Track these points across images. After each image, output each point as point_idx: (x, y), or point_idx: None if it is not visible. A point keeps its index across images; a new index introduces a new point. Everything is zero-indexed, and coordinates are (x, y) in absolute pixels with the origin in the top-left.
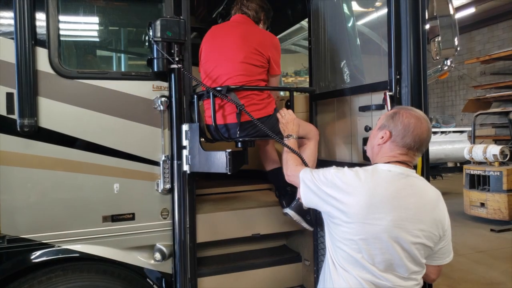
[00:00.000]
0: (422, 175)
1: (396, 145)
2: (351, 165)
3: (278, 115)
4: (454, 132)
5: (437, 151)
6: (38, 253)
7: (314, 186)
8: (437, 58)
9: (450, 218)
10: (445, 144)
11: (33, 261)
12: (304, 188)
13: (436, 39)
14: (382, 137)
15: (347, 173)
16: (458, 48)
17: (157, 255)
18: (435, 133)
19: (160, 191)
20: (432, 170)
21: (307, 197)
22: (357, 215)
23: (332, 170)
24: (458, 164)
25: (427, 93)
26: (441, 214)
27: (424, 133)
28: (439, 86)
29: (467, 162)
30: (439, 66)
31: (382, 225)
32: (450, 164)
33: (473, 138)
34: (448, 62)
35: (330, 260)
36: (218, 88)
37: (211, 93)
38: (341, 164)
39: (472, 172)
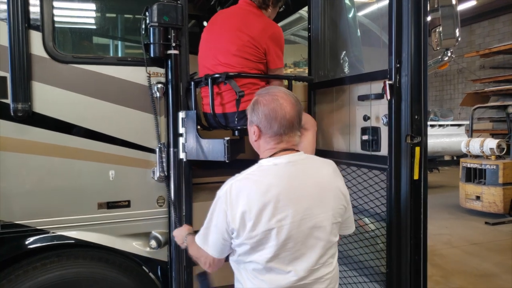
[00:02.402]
0: (419, 167)
1: (269, 137)
2: (348, 155)
3: None
4: (451, 125)
5: (434, 144)
6: (32, 239)
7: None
8: (438, 48)
9: (445, 212)
10: (443, 137)
11: (28, 247)
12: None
13: (437, 30)
14: (254, 132)
15: (218, 207)
16: (459, 39)
17: (153, 243)
18: (432, 126)
19: (156, 178)
20: (429, 163)
21: (219, 252)
22: (253, 234)
23: (209, 215)
24: (455, 158)
25: (427, 82)
26: (341, 185)
27: (286, 114)
28: (437, 80)
29: (464, 155)
30: (439, 57)
31: (288, 223)
32: (447, 158)
33: (471, 132)
34: (449, 53)
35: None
36: (217, 75)
37: (209, 81)
38: (338, 154)
39: (468, 166)
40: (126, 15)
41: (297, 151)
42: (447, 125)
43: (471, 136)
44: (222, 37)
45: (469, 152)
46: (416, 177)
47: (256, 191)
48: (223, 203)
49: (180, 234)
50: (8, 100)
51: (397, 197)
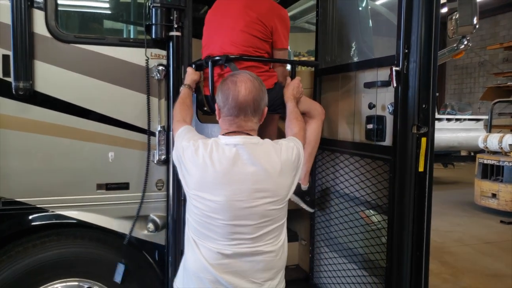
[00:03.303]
0: (425, 159)
1: (224, 116)
2: (352, 144)
3: (288, 78)
4: (469, 120)
5: (450, 139)
6: (32, 216)
7: (176, 153)
8: (453, 36)
9: (458, 208)
10: (459, 131)
11: (28, 224)
12: (173, 151)
13: (453, 17)
14: (216, 112)
15: (189, 148)
16: (477, 26)
17: (150, 226)
18: (449, 119)
19: (155, 161)
20: (444, 158)
21: (175, 161)
22: (193, 193)
23: (184, 142)
24: (472, 153)
25: (437, 69)
26: (289, 170)
27: (238, 96)
28: (457, 72)
29: (481, 151)
30: (455, 45)
31: (219, 201)
32: (463, 153)
33: (489, 127)
34: (465, 41)
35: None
36: (216, 58)
37: (210, 63)
38: (342, 143)
39: (485, 162)
40: None
41: (253, 135)
42: (465, 119)
43: (490, 131)
44: (229, 15)
45: (487, 147)
46: (421, 169)
47: (203, 162)
48: (191, 145)
49: (188, 75)
50: (11, 79)
51: (400, 189)
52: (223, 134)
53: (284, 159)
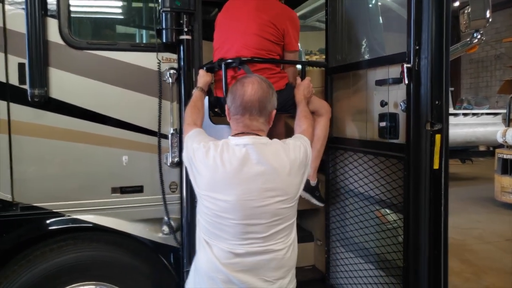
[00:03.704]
0: (440, 156)
1: (233, 115)
2: (365, 143)
3: (298, 79)
4: (487, 114)
5: (467, 134)
6: (49, 221)
7: (187, 155)
8: (466, 30)
9: (478, 205)
10: (477, 126)
11: (45, 229)
12: (184, 153)
13: (466, 11)
14: (226, 112)
15: (200, 150)
16: (490, 20)
17: (165, 228)
18: (465, 114)
19: (168, 164)
20: (462, 153)
21: (185, 163)
22: (204, 194)
23: (195, 145)
24: (491, 148)
25: (449, 65)
26: (297, 169)
27: (244, 95)
28: (473, 66)
29: (500, 146)
30: (468, 40)
31: (230, 201)
32: (481, 148)
33: (508, 121)
34: (478, 35)
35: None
36: (229, 60)
37: (223, 65)
38: (355, 142)
39: (505, 157)
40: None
41: (262, 135)
42: (482, 114)
43: (508, 125)
44: (241, 18)
45: (506, 142)
46: (436, 166)
47: (213, 163)
48: (202, 147)
49: (200, 78)
50: (27, 86)
51: (415, 187)
52: (233, 135)
53: (293, 158)
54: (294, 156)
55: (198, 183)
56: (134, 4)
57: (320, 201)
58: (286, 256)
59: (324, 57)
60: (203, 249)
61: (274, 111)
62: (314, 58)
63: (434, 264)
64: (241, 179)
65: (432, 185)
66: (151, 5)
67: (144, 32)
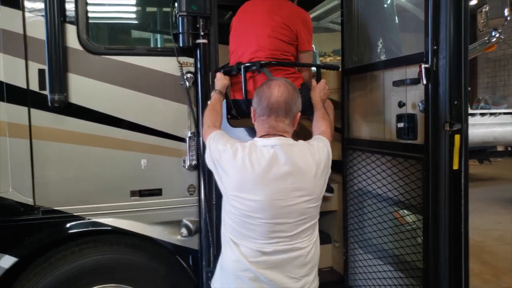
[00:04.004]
0: (460, 157)
1: (259, 117)
2: (383, 144)
3: (313, 81)
4: (505, 113)
5: (485, 134)
6: (70, 224)
7: (211, 157)
8: (484, 29)
9: (497, 206)
10: (494, 126)
11: (66, 232)
12: (207, 154)
13: (483, 9)
14: (252, 114)
15: (227, 151)
16: (508, 18)
17: (184, 231)
18: (483, 114)
19: (186, 167)
20: (480, 154)
21: (209, 165)
22: (232, 194)
23: (220, 146)
24: (509, 148)
25: (468, 65)
26: (322, 170)
27: (271, 97)
28: (490, 65)
29: None
30: (486, 38)
31: (259, 200)
32: (499, 148)
33: None
34: (497, 34)
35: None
36: (247, 64)
37: (242, 69)
38: (372, 143)
39: None
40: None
41: (288, 137)
42: (500, 113)
43: None
44: (255, 21)
45: None
46: (455, 167)
47: (242, 164)
48: (230, 148)
49: (218, 81)
50: (47, 92)
51: (435, 188)
52: (259, 137)
53: (318, 159)
54: (318, 157)
55: (225, 183)
56: (150, 9)
57: (329, 191)
58: (310, 253)
59: (338, 58)
60: (230, 249)
61: (299, 114)
62: (328, 59)
63: (455, 266)
64: (269, 179)
65: (452, 185)
66: (167, 9)
67: (158, 36)
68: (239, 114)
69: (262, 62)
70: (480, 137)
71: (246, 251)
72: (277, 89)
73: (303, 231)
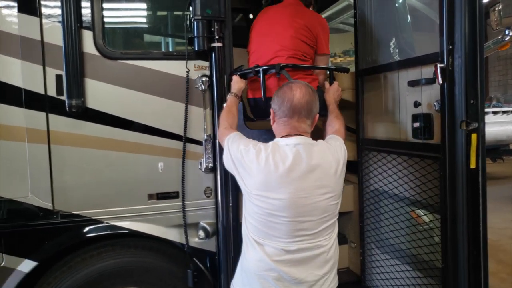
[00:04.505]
0: (477, 156)
1: (279, 118)
2: (399, 144)
3: (326, 83)
4: None
5: (498, 132)
6: (88, 228)
7: (231, 157)
8: (498, 28)
9: (509, 204)
10: (507, 124)
11: (84, 236)
12: (226, 155)
13: (496, 8)
14: (271, 116)
15: (250, 151)
16: None
17: (201, 233)
18: (495, 112)
19: (203, 170)
20: (493, 152)
21: (227, 166)
22: (256, 193)
23: (241, 146)
24: None
25: (484, 64)
26: (341, 168)
27: (294, 99)
28: (501, 63)
29: None
30: (499, 37)
31: (284, 199)
32: None
33: None
34: (510, 32)
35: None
36: (265, 67)
37: (261, 71)
38: (388, 143)
39: None
40: (170, 12)
41: (309, 136)
42: None
43: None
44: (278, 23)
45: None
46: (473, 166)
47: (265, 163)
48: (252, 148)
49: (234, 84)
50: (64, 97)
51: (452, 187)
52: (280, 137)
53: (337, 158)
54: (338, 156)
55: (248, 183)
56: (165, 14)
57: None
58: (331, 251)
59: (348, 58)
60: (253, 249)
61: (317, 115)
62: (338, 60)
63: (474, 265)
64: (293, 178)
65: (469, 184)
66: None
67: (172, 40)
68: (256, 115)
69: (281, 65)
70: (493, 136)
71: (270, 250)
72: (298, 91)
73: (325, 229)
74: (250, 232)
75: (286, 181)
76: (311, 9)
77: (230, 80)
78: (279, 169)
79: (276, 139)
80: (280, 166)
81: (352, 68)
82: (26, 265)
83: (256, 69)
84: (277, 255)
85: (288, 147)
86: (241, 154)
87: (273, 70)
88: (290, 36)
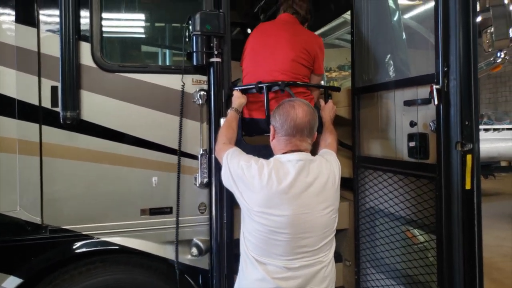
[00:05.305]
0: (472, 177)
1: (281, 136)
2: (395, 162)
3: (321, 101)
4: (508, 129)
5: (489, 149)
6: (78, 244)
7: (231, 173)
8: (490, 50)
9: (503, 221)
10: (498, 142)
11: (74, 251)
12: (225, 171)
13: (489, 30)
14: (271, 132)
15: (252, 167)
16: None
17: (194, 250)
18: (486, 130)
19: (198, 185)
20: (484, 169)
21: (226, 182)
22: (258, 210)
23: (242, 162)
24: None
25: (478, 86)
26: (338, 181)
27: (297, 118)
28: (491, 81)
29: None
30: (492, 59)
31: (286, 215)
32: (503, 163)
33: None
34: (502, 54)
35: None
36: (267, 84)
37: (265, 88)
38: (384, 161)
39: None
40: (168, 25)
41: (308, 152)
42: (503, 129)
43: None
44: (279, 45)
45: None
46: (468, 187)
47: (268, 179)
48: (255, 163)
49: (236, 99)
50: (59, 109)
51: (448, 208)
52: (282, 153)
53: (333, 171)
54: (334, 169)
55: (249, 200)
56: (163, 28)
57: None
58: (329, 267)
59: (343, 73)
60: (253, 268)
61: (316, 133)
62: (333, 74)
63: (470, 286)
64: (295, 194)
65: (465, 205)
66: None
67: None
68: (253, 132)
69: (286, 82)
70: (485, 153)
71: (271, 268)
72: (301, 110)
73: (325, 245)
74: (250, 251)
75: (288, 197)
76: (306, 26)
77: (231, 95)
78: (282, 185)
79: (277, 156)
80: (283, 182)
81: (349, 83)
82: (11, 282)
83: (259, 85)
84: (279, 273)
85: (291, 163)
86: (242, 170)
87: (277, 88)
88: (291, 60)
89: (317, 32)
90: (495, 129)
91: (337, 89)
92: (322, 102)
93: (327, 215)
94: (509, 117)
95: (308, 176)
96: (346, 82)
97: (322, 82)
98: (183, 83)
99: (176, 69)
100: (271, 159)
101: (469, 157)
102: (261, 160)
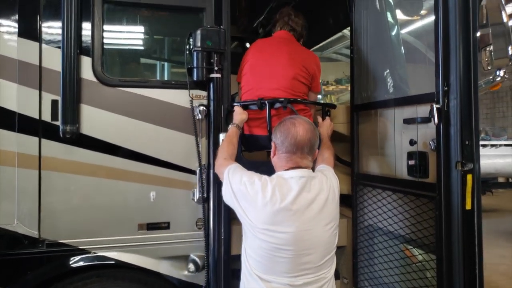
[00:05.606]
0: (472, 197)
1: (282, 153)
2: (394, 181)
3: (319, 118)
4: (505, 145)
5: (486, 165)
6: (74, 258)
7: (232, 189)
8: (489, 68)
9: (501, 239)
10: (496, 158)
11: (70, 266)
12: (226, 187)
13: (487, 49)
14: (272, 149)
15: (255, 184)
16: None
17: (191, 266)
18: (484, 145)
19: (196, 200)
20: (482, 185)
21: (227, 197)
22: (262, 227)
23: (245, 178)
24: (510, 180)
25: (478, 105)
26: (337, 196)
27: (297, 136)
28: (488, 97)
29: None
30: (491, 77)
31: (290, 232)
32: (501, 180)
33: None
34: (501, 73)
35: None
36: (269, 100)
37: (267, 104)
38: (383, 179)
39: None
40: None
41: (310, 169)
42: (501, 145)
43: None
44: (278, 63)
45: None
46: (468, 207)
47: (272, 196)
48: (259, 180)
49: (237, 115)
50: (59, 123)
51: (448, 228)
52: (284, 170)
53: (333, 187)
54: (333, 185)
55: (252, 217)
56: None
57: None
58: (330, 283)
59: (340, 87)
60: (256, 285)
61: (317, 151)
62: (330, 88)
63: None
64: (299, 211)
65: (465, 226)
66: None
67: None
68: (253, 148)
69: (288, 99)
70: (482, 169)
71: (276, 286)
72: (302, 128)
73: (327, 261)
74: (253, 268)
75: (292, 214)
76: (301, 42)
77: (231, 110)
78: (285, 202)
79: (280, 172)
80: (286, 199)
81: (346, 96)
82: None
83: (262, 101)
84: None
85: (294, 180)
86: (245, 186)
87: (279, 105)
88: (291, 78)
89: (315, 46)
90: (492, 145)
91: (333, 106)
92: (319, 118)
93: (329, 231)
94: (507, 133)
95: (310, 192)
96: (343, 96)
97: (320, 97)
98: (191, 98)
99: (175, 84)
100: (274, 175)
101: (469, 177)
102: (264, 176)
